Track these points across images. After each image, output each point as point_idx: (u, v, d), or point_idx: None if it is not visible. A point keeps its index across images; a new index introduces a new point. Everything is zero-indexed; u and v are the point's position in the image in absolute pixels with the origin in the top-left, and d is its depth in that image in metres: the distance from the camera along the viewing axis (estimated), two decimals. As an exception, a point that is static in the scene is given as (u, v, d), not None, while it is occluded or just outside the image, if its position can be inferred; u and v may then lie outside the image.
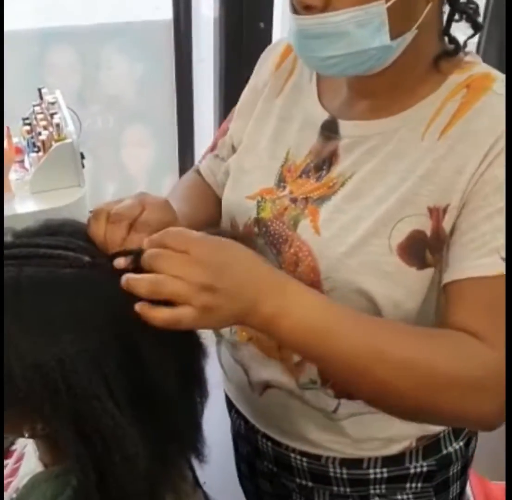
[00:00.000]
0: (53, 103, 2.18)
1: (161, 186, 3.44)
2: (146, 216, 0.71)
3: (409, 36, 0.75)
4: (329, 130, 0.87)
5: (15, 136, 2.20)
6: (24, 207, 2.03)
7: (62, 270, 0.66)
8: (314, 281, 0.81)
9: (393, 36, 0.74)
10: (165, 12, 2.92)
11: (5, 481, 0.88)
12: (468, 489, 1.45)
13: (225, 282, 0.63)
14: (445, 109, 0.77)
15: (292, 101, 0.93)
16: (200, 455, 0.77)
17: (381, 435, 0.91)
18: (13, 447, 0.93)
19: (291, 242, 0.84)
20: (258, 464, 1.08)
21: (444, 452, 0.95)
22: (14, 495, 0.82)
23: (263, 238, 0.88)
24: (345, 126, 0.85)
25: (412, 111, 0.79)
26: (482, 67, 0.80)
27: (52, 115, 2.09)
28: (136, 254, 0.67)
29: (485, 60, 0.83)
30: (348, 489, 0.96)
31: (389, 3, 0.70)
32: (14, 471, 0.88)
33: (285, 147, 0.91)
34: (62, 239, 0.69)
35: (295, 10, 0.77)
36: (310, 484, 0.99)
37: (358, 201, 0.80)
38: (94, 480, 0.65)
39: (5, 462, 0.91)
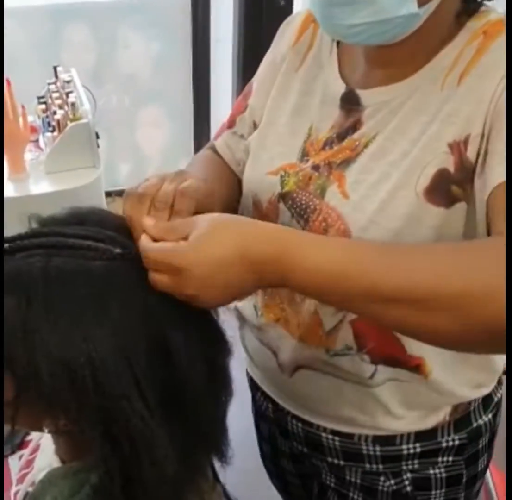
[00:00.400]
0: (68, 82, 2.15)
1: (176, 168, 3.37)
2: (187, 202, 0.70)
3: (435, 3, 0.74)
4: (350, 102, 0.86)
5: (30, 114, 2.17)
6: (39, 187, 2.00)
7: (92, 262, 0.63)
8: None
9: (420, 4, 0.73)
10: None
11: (19, 473, 0.86)
12: (490, 483, 1.44)
13: (220, 289, 0.65)
14: (463, 56, 0.77)
15: (312, 75, 0.92)
16: (223, 457, 0.75)
17: (417, 401, 0.91)
18: (29, 437, 0.91)
19: (319, 210, 0.84)
20: (281, 445, 1.09)
21: (475, 424, 0.96)
22: (30, 489, 0.80)
23: (290, 211, 0.88)
24: (366, 95, 0.84)
25: (432, 65, 0.79)
26: (498, 14, 0.79)
27: (67, 93, 2.06)
28: None
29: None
30: (380, 466, 0.96)
31: None
32: (29, 463, 0.87)
33: (307, 123, 0.90)
34: (91, 229, 0.67)
35: None
36: (342, 462, 0.99)
37: (383, 158, 0.80)
38: (119, 483, 0.63)
39: (20, 452, 0.90)
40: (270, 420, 1.07)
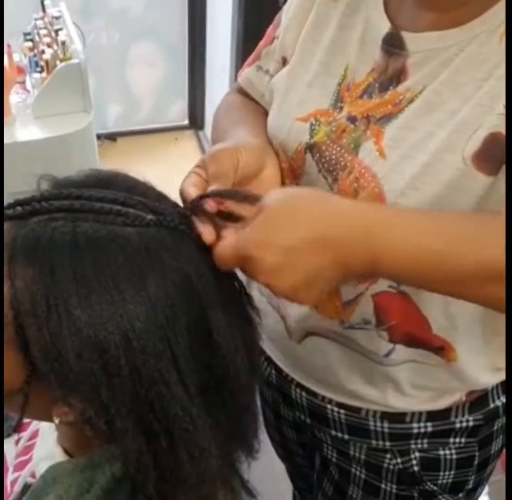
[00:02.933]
0: (57, 18, 2.03)
1: (169, 110, 3.34)
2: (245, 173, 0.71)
3: None
4: (393, 44, 0.78)
5: (16, 52, 2.05)
6: (26, 133, 1.92)
7: (124, 227, 0.57)
8: None
9: None
10: None
11: (16, 460, 0.81)
12: None
13: (299, 276, 0.60)
14: None
15: (354, 7, 0.84)
16: (253, 452, 0.71)
17: (433, 384, 0.88)
18: (27, 419, 0.85)
19: (351, 168, 0.78)
20: (284, 412, 1.06)
21: (492, 406, 0.93)
22: (29, 479, 0.75)
23: (317, 165, 0.81)
24: (413, 40, 0.77)
25: (487, 16, 0.73)
26: None
27: (56, 31, 1.95)
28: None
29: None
30: (387, 443, 0.94)
31: None
32: (28, 450, 0.81)
33: (343, 62, 0.83)
34: (118, 194, 0.60)
35: None
36: (346, 436, 0.96)
37: (429, 115, 0.74)
38: (154, 480, 0.58)
39: (17, 435, 0.84)
40: (273, 387, 1.05)
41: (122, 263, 0.55)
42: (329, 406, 0.94)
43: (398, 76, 0.78)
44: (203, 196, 0.65)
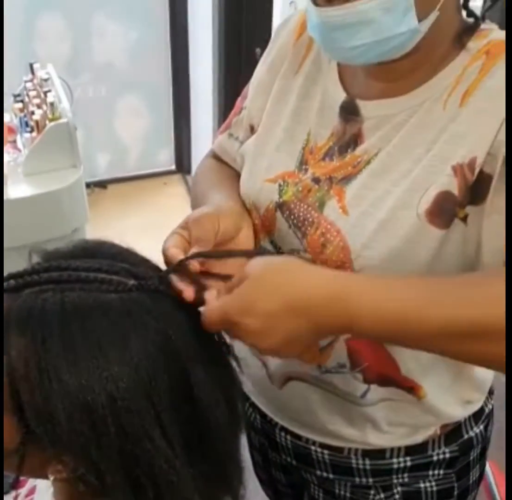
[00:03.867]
0: (46, 80, 2.08)
1: (156, 156, 3.39)
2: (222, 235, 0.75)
3: (432, 17, 0.73)
4: (349, 111, 0.84)
5: (6, 112, 2.11)
6: (18, 191, 1.95)
7: (107, 295, 0.60)
8: (344, 262, 0.79)
9: (419, 19, 0.72)
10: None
11: None
12: (491, 480, 1.46)
13: (278, 339, 0.64)
14: (465, 76, 0.76)
15: (312, 79, 0.90)
16: (238, 498, 0.72)
17: (408, 421, 0.90)
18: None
19: (317, 224, 0.82)
20: (272, 456, 1.06)
21: (466, 437, 0.95)
22: None
23: (287, 222, 0.86)
24: (366, 107, 0.83)
25: (433, 83, 0.78)
26: (499, 33, 0.79)
27: (45, 93, 2.00)
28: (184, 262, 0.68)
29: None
30: (370, 480, 0.95)
31: None
32: None
33: (305, 128, 0.88)
34: (103, 262, 0.64)
35: (315, 2, 0.74)
36: (331, 476, 0.97)
37: (385, 176, 0.79)
38: None
39: (15, 492, 0.87)
40: (259, 432, 1.06)
41: (106, 328, 0.58)
42: (313, 448, 0.96)
43: (355, 140, 0.83)
44: (186, 259, 0.68)
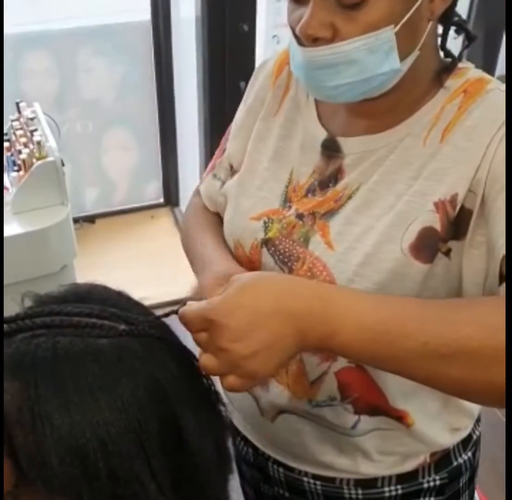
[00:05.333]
0: (32, 119, 2.10)
1: (144, 191, 3.41)
2: None
3: (413, 56, 0.77)
4: (330, 149, 0.86)
5: (-7, 151, 2.13)
6: (7, 229, 1.96)
7: (98, 340, 0.61)
8: None
9: (400, 58, 0.75)
10: (143, 13, 2.85)
11: None
12: None
13: (257, 343, 0.62)
14: (444, 114, 0.79)
15: (291, 119, 0.92)
16: None
17: (398, 449, 0.92)
18: None
19: (303, 259, 0.84)
20: (263, 489, 1.07)
21: (455, 463, 0.97)
22: None
23: (273, 257, 0.88)
24: (347, 143, 0.85)
25: (412, 120, 0.81)
26: (475, 72, 0.82)
27: (32, 132, 2.02)
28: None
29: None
30: None
31: (397, 28, 0.72)
32: None
33: (287, 167, 0.90)
34: (95, 307, 0.65)
35: (300, 42, 0.76)
36: None
37: (367, 211, 0.81)
38: None
39: None
40: (251, 465, 1.07)
41: (97, 373, 0.59)
42: (305, 479, 0.97)
43: (336, 176, 0.85)
44: (179, 307, 0.67)
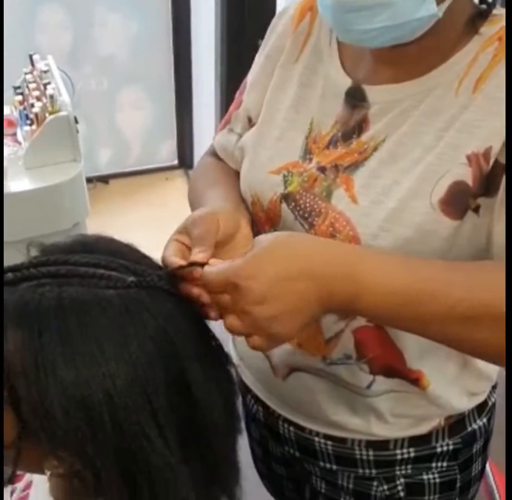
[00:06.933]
0: (45, 71, 2.07)
1: (158, 151, 3.38)
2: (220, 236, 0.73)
3: (448, 1, 0.72)
4: (355, 97, 0.83)
5: (6, 104, 2.10)
6: (19, 185, 1.94)
7: (106, 290, 0.60)
8: None
9: (437, 3, 0.71)
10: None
11: None
12: (491, 480, 1.45)
13: (282, 305, 0.61)
14: (478, 63, 0.75)
15: (312, 67, 0.88)
16: (234, 497, 0.71)
17: (412, 412, 0.90)
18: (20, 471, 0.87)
19: (325, 214, 0.81)
20: (272, 448, 1.07)
21: (469, 429, 0.95)
22: None
23: (293, 213, 0.85)
24: (373, 92, 0.81)
25: (444, 68, 0.77)
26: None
27: (45, 85, 1.98)
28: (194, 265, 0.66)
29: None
30: (373, 471, 0.95)
31: None
32: None
33: (308, 117, 0.87)
34: (102, 258, 0.63)
35: None
36: (334, 467, 0.97)
37: (394, 164, 0.77)
38: None
39: (12, 486, 0.86)
40: (261, 424, 1.06)
41: (104, 324, 0.57)
42: (316, 439, 0.95)
43: (360, 126, 0.81)
44: (187, 265, 0.66)
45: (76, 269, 0.61)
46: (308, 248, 0.64)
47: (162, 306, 0.62)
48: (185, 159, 3.38)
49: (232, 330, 0.64)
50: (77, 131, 2.05)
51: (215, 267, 0.64)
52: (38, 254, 0.65)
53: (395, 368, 0.86)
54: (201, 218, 0.73)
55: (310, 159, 0.85)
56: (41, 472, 0.63)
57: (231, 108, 1.02)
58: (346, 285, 0.62)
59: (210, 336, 0.68)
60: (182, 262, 0.67)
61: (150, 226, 2.98)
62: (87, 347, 0.56)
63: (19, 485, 0.85)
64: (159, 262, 0.69)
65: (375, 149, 0.79)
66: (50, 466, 0.61)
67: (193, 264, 0.66)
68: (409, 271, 0.64)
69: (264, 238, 0.64)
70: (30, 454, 0.60)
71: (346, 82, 0.84)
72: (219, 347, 0.69)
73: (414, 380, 0.86)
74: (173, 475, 0.59)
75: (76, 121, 2.03)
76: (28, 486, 0.84)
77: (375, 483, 0.96)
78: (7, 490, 0.86)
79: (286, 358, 0.91)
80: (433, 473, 0.95)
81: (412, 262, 0.66)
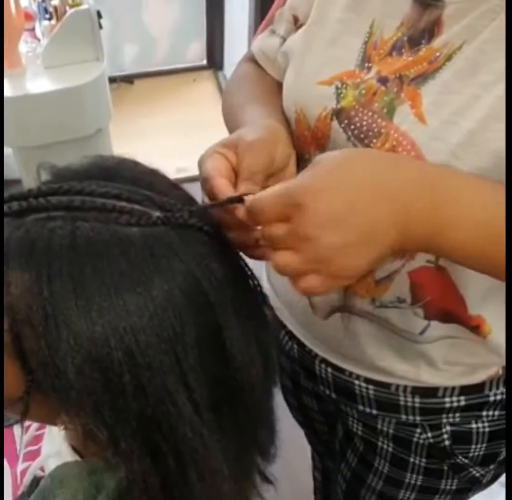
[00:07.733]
0: (65, -42, 1.90)
1: (186, 50, 3.25)
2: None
3: None
4: None
5: (24, -2, 1.96)
6: (37, 85, 1.84)
7: (127, 228, 0.53)
8: None
9: None
10: None
11: (26, 449, 0.80)
12: None
13: (352, 231, 0.53)
14: None
15: None
16: (269, 457, 0.67)
17: (468, 360, 0.86)
18: None
19: (386, 134, 0.73)
20: (304, 383, 1.04)
21: None
22: (39, 472, 0.74)
23: (345, 132, 0.75)
24: None
25: None
26: None
27: (65, -26, 1.82)
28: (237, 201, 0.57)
29: None
30: (418, 418, 0.92)
31: None
32: (37, 440, 0.79)
33: (368, 18, 0.76)
34: (124, 188, 0.56)
35: None
36: (374, 411, 0.94)
37: (473, 77, 0.68)
38: None
39: (26, 423, 0.82)
40: (295, 361, 1.01)
41: (125, 270, 0.51)
42: (356, 382, 0.91)
43: (432, 30, 0.71)
44: (235, 199, 0.58)
45: (93, 201, 0.53)
46: (379, 161, 0.57)
47: (194, 248, 0.54)
48: (214, 59, 3.25)
49: (284, 269, 0.54)
50: (100, 27, 1.92)
51: (270, 189, 0.55)
52: (49, 179, 0.57)
53: (454, 313, 0.79)
54: (257, 144, 0.64)
55: (369, 68, 0.75)
56: (54, 424, 0.59)
57: (274, 5, 0.90)
58: (430, 217, 0.56)
59: (248, 280, 0.61)
60: (231, 191, 0.58)
61: (175, 129, 2.94)
62: (105, 297, 0.50)
63: (34, 424, 0.81)
64: (195, 173, 0.60)
65: (449, 58, 0.69)
66: (62, 422, 0.57)
67: (240, 198, 0.57)
68: (495, 198, 0.58)
69: (326, 156, 0.56)
70: (39, 409, 0.55)
71: None
72: (257, 290, 0.63)
73: (474, 327, 0.80)
74: (203, 445, 0.54)
75: (99, 16, 1.90)
76: (43, 425, 0.79)
77: (418, 430, 0.92)
78: (19, 427, 0.82)
79: (329, 297, 0.84)
80: (483, 422, 0.91)
81: (496, 188, 0.60)
